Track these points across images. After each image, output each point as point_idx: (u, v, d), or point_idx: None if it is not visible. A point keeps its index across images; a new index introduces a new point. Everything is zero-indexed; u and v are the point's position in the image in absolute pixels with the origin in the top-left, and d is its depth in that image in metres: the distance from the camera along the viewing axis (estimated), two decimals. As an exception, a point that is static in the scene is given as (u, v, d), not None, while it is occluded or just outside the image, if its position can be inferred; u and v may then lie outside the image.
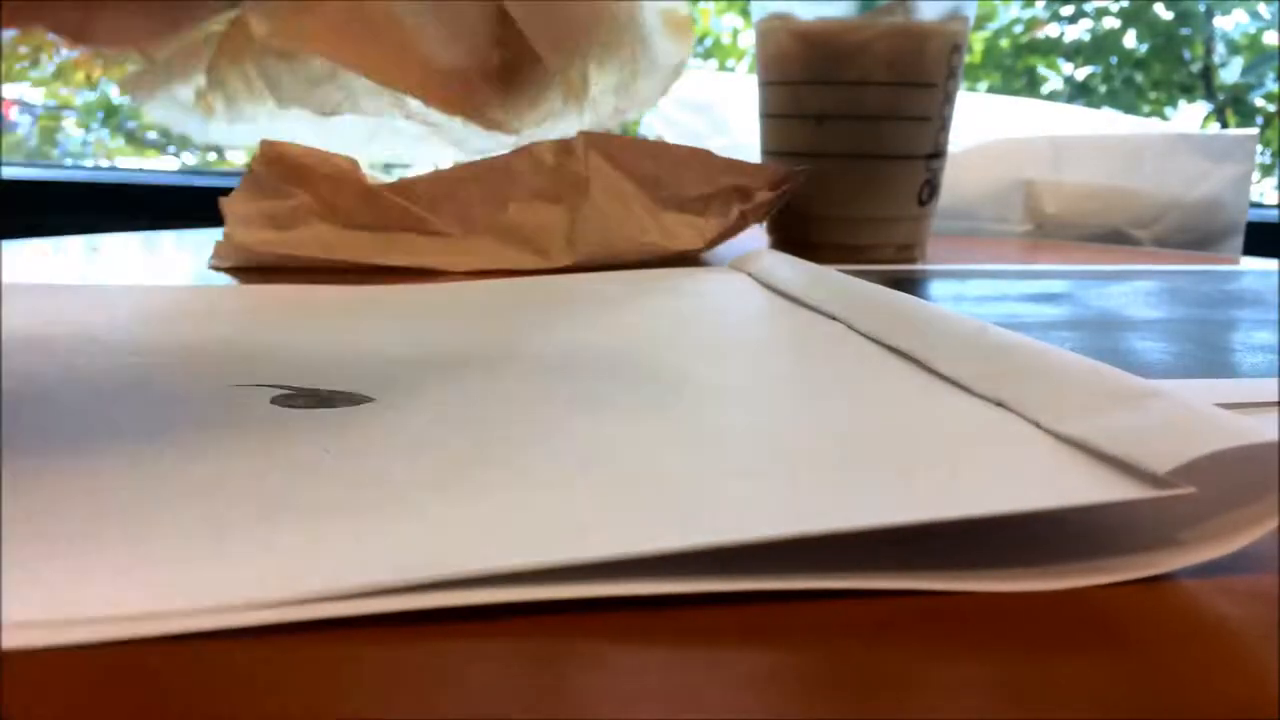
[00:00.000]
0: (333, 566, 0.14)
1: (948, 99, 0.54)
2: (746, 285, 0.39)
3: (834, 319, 0.31)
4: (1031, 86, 2.47)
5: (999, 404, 0.21)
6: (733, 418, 0.22)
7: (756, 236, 0.54)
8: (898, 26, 0.52)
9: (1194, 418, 0.17)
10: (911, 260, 0.55)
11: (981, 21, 2.38)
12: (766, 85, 0.56)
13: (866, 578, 0.15)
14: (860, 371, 0.26)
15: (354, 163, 0.46)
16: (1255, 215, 0.75)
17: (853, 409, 0.23)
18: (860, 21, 0.52)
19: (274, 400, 0.22)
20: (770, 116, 0.56)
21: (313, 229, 0.46)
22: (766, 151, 0.57)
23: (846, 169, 0.54)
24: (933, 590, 0.15)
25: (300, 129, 0.47)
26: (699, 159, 0.47)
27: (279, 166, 0.46)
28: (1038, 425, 0.19)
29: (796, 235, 0.55)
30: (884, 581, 0.15)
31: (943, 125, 0.55)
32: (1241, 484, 0.16)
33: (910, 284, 0.43)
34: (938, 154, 0.55)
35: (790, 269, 0.38)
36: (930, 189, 0.55)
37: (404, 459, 0.18)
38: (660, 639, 0.13)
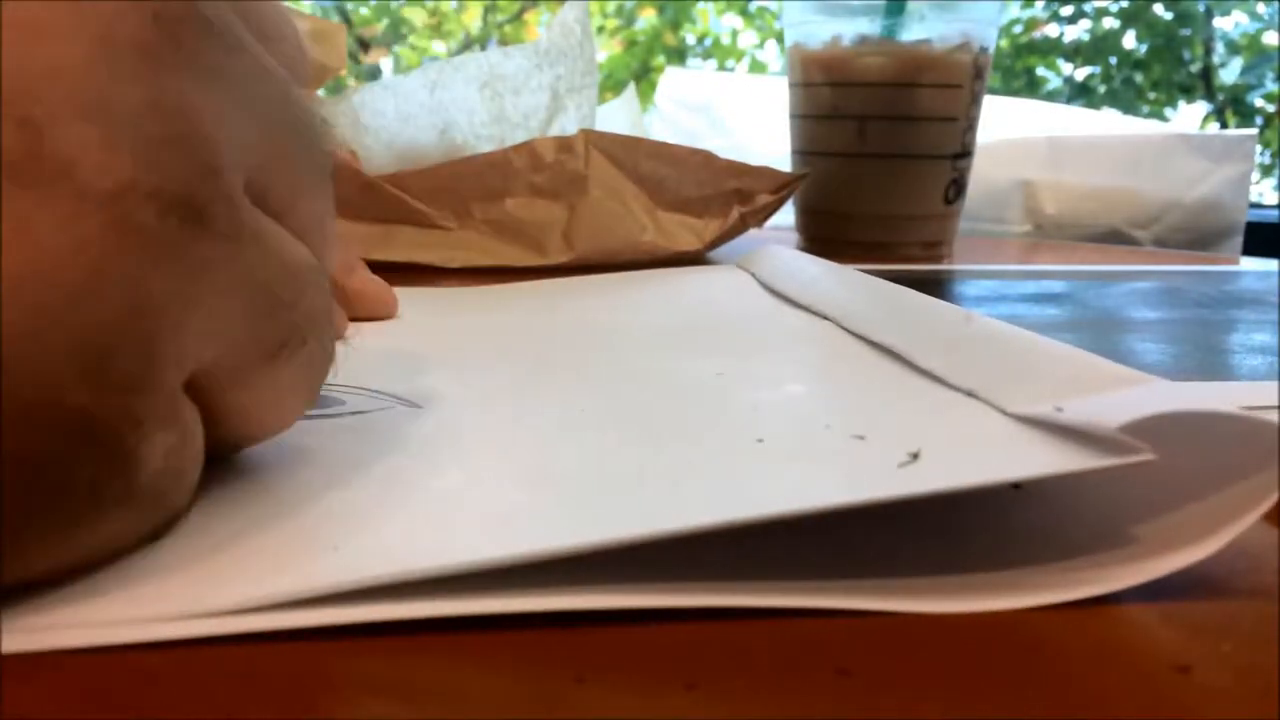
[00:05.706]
0: (331, 568, 0.14)
1: (974, 100, 0.55)
2: (747, 283, 0.39)
3: (825, 318, 0.31)
4: (1031, 87, 2.47)
5: (969, 394, 0.21)
6: (697, 412, 0.22)
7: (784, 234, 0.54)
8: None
9: (1165, 389, 0.16)
10: (938, 259, 0.55)
11: (981, 21, 2.37)
12: (795, 86, 0.56)
13: (808, 595, 0.14)
14: (838, 368, 0.25)
15: (353, 154, 0.46)
16: (1254, 215, 0.75)
17: (820, 403, 0.22)
18: (883, 46, 0.53)
19: None
20: (799, 117, 0.57)
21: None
22: (795, 151, 0.57)
23: (874, 168, 0.54)
24: (879, 611, 0.14)
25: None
26: (700, 160, 0.47)
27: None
28: (1003, 411, 0.19)
29: (824, 233, 0.57)
30: (850, 600, 0.14)
31: (969, 125, 0.55)
32: (1219, 468, 0.15)
33: (909, 285, 0.43)
34: (964, 154, 0.56)
35: (791, 266, 0.38)
36: (956, 188, 0.56)
37: (419, 460, 0.18)
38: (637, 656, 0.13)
